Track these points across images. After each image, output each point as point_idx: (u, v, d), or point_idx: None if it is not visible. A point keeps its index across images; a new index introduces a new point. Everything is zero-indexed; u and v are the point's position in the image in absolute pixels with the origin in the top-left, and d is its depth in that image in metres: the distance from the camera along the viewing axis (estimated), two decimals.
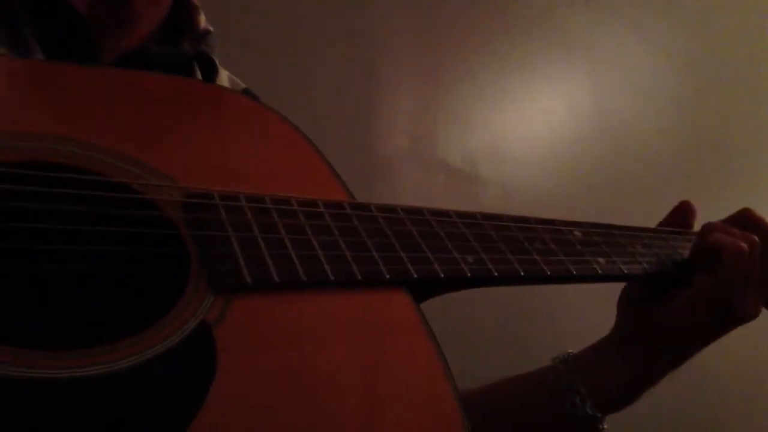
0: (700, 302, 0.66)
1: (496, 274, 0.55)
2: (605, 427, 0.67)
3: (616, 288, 0.73)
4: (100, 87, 0.54)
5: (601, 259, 0.62)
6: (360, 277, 0.49)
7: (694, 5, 1.93)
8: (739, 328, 0.68)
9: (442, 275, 0.52)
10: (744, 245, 0.65)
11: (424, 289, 0.53)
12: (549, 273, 0.57)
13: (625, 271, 0.64)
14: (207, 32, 0.71)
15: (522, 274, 0.56)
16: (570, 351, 0.71)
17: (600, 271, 0.61)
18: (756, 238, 0.66)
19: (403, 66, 1.52)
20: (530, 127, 1.68)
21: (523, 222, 0.61)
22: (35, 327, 0.44)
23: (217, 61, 0.70)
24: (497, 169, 1.60)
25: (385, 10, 1.50)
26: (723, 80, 1.95)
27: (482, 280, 0.55)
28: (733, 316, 0.66)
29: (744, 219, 0.71)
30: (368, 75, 1.48)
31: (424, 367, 0.47)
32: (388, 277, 0.50)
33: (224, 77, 0.72)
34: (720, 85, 1.95)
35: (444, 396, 0.46)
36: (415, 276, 0.51)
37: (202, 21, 0.71)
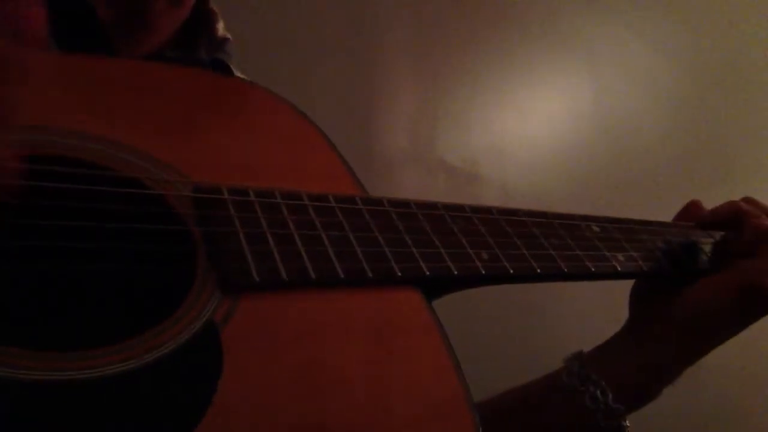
0: (729, 268, 0.64)
1: (511, 271, 0.53)
2: (628, 424, 0.63)
3: (625, 285, 0.71)
4: (115, 79, 0.53)
5: (620, 256, 0.60)
6: (371, 276, 0.47)
7: (695, 5, 1.93)
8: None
9: (456, 272, 0.51)
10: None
11: (437, 286, 0.51)
12: (566, 270, 0.56)
13: (644, 269, 0.62)
14: (225, 40, 0.70)
15: (538, 271, 0.54)
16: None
17: (620, 269, 0.59)
18: None
19: (403, 66, 1.52)
20: (530, 127, 1.67)
21: (540, 217, 0.59)
22: (39, 328, 0.43)
23: (233, 68, 0.68)
24: (497, 169, 1.59)
25: (386, 11, 1.49)
26: (723, 80, 1.95)
27: (497, 277, 0.53)
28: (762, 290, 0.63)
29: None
30: (368, 75, 1.47)
31: (435, 367, 0.46)
32: (400, 275, 0.49)
33: None
34: (720, 84, 1.94)
35: (455, 395, 0.45)
36: (428, 274, 0.50)
37: (221, 28, 0.70)
